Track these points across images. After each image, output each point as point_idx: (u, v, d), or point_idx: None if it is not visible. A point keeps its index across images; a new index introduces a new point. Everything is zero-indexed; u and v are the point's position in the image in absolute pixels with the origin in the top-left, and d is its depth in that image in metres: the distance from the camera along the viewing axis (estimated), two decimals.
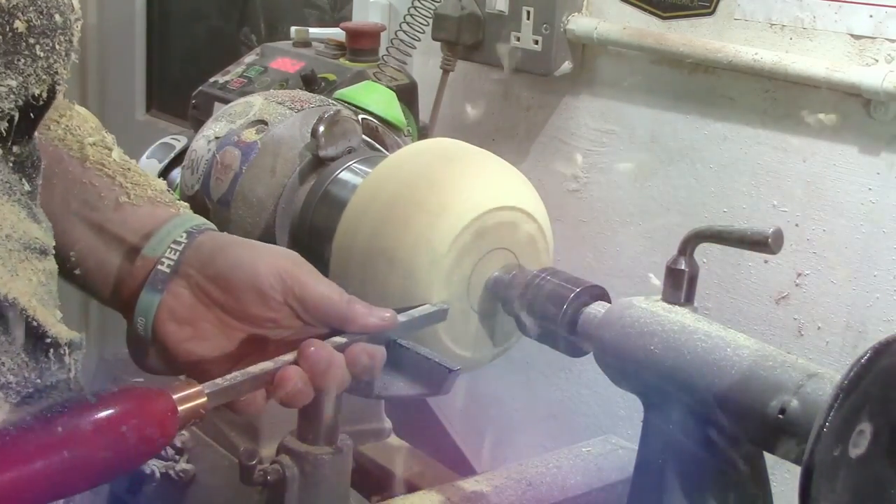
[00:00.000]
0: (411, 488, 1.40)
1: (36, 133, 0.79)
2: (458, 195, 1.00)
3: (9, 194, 0.77)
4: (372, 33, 1.68)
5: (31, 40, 0.72)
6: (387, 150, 1.21)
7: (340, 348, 0.86)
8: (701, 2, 1.45)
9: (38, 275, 0.78)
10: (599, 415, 1.69)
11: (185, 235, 0.90)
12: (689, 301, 0.94)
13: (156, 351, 0.90)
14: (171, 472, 1.49)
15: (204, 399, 0.78)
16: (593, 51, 1.60)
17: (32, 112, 0.76)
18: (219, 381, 0.80)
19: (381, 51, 1.67)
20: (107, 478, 0.73)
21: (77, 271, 0.91)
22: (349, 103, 1.32)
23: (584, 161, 1.65)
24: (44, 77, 0.74)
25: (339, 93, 1.38)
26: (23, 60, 0.72)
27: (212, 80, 1.68)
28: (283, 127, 1.16)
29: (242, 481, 1.14)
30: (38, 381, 0.77)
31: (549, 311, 0.98)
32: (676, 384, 0.87)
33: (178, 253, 0.88)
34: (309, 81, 1.57)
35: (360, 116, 1.23)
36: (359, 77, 1.57)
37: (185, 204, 0.96)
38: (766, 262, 1.43)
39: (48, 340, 0.77)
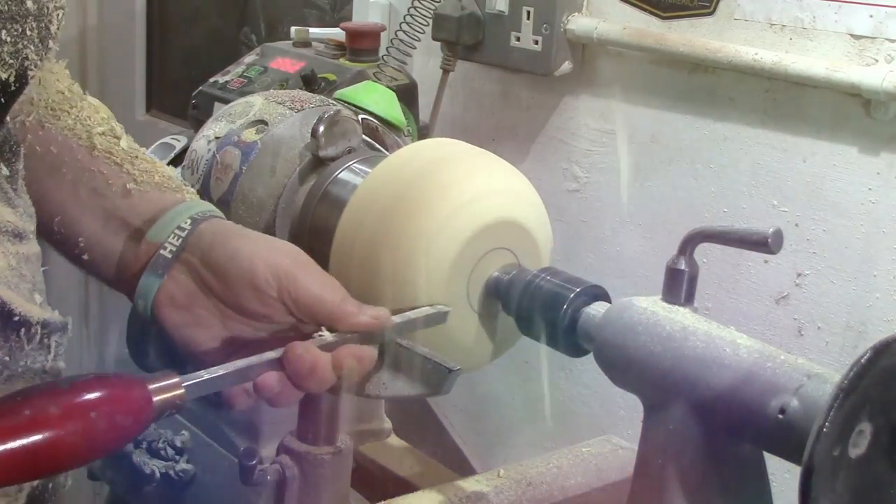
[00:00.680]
0: (411, 488, 1.40)
1: (7, 118, 0.79)
2: (457, 195, 1.00)
3: None
4: (372, 33, 1.68)
5: None
6: (387, 150, 1.21)
7: (330, 348, 0.85)
8: (701, 2, 1.45)
9: (8, 258, 0.78)
10: (599, 415, 1.69)
11: (189, 221, 0.90)
12: (689, 301, 0.93)
13: (155, 334, 0.90)
14: (171, 472, 1.49)
15: (181, 391, 0.78)
16: (593, 51, 1.60)
17: (3, 97, 0.76)
18: (198, 373, 0.81)
19: (381, 51, 1.67)
20: (76, 463, 0.73)
21: (85, 257, 0.92)
22: (349, 103, 1.32)
23: (584, 161, 1.65)
24: (10, 62, 0.74)
25: (339, 93, 1.38)
26: None
27: (212, 80, 1.68)
28: (283, 127, 1.16)
29: (242, 481, 1.14)
30: (8, 359, 0.77)
31: (549, 311, 0.98)
32: (676, 384, 0.87)
33: (180, 239, 0.89)
34: (309, 81, 1.57)
35: (360, 116, 1.23)
36: (359, 77, 1.57)
37: (193, 190, 0.97)
38: (766, 262, 1.43)
39: (16, 319, 0.77)
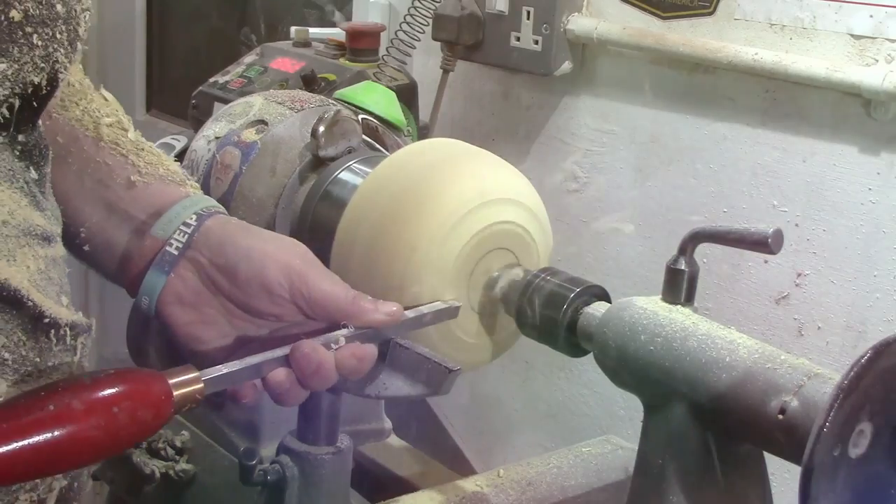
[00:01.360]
0: (411, 488, 1.40)
1: (40, 122, 0.80)
2: (458, 196, 1.00)
3: (11, 181, 0.77)
4: (372, 33, 1.68)
5: (29, 29, 0.72)
6: (387, 150, 1.21)
7: (333, 345, 0.86)
8: (701, 2, 1.45)
9: (37, 261, 0.79)
10: (599, 415, 1.69)
11: (194, 217, 0.90)
12: (689, 301, 0.94)
13: (156, 332, 0.91)
14: (171, 472, 1.49)
15: (200, 385, 0.78)
16: (593, 51, 1.60)
17: (35, 100, 0.76)
18: (217, 368, 0.81)
19: (381, 51, 1.67)
20: (98, 457, 0.73)
21: (86, 247, 0.92)
22: (349, 103, 1.32)
23: (584, 161, 1.65)
24: (41, 65, 0.74)
25: (339, 93, 1.38)
26: (17, 48, 0.72)
27: (212, 80, 1.68)
28: (283, 127, 1.16)
29: (242, 481, 1.14)
30: (38, 359, 0.78)
31: (549, 311, 0.98)
32: (676, 384, 0.87)
33: (186, 235, 0.89)
34: (309, 81, 1.57)
35: (360, 116, 1.23)
36: (359, 77, 1.57)
37: (196, 185, 0.96)
38: (766, 262, 1.43)
39: (46, 321, 0.78)
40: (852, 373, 0.71)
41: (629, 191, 1.60)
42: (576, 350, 0.99)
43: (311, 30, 1.77)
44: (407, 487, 1.46)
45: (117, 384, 0.74)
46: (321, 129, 1.12)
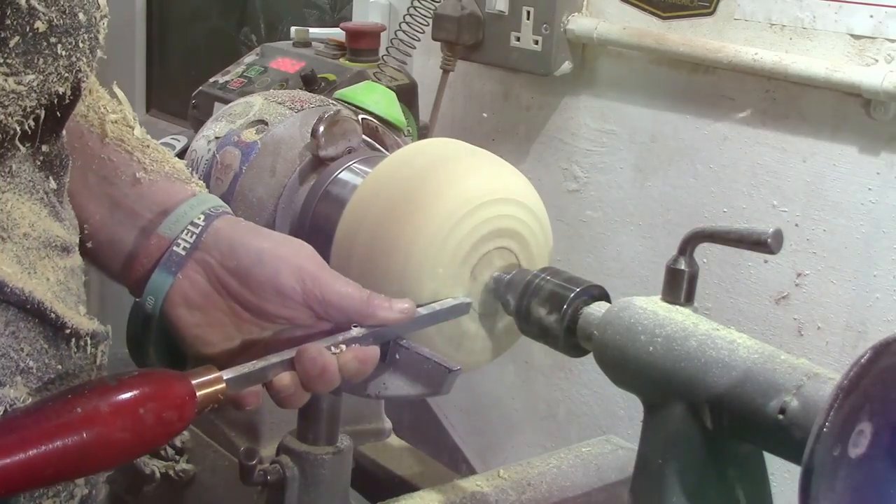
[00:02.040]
0: (411, 488, 1.40)
1: (63, 132, 0.80)
2: (457, 195, 1.00)
3: (31, 193, 0.77)
4: (372, 33, 1.68)
5: (53, 39, 0.72)
6: (387, 150, 1.21)
7: (334, 348, 0.86)
8: (701, 2, 1.45)
9: (57, 272, 0.79)
10: (599, 415, 1.69)
11: (202, 217, 0.89)
12: (689, 301, 0.94)
13: (157, 333, 0.90)
14: (171, 472, 1.49)
15: (222, 385, 0.79)
16: (593, 51, 1.60)
17: (59, 110, 0.76)
18: (238, 368, 0.81)
19: (381, 51, 1.67)
20: (124, 459, 0.74)
21: (89, 244, 0.91)
22: (349, 103, 1.32)
23: (584, 161, 1.65)
24: (66, 75, 0.74)
25: (339, 93, 1.38)
26: (42, 59, 0.72)
27: (212, 80, 1.68)
28: (283, 127, 1.16)
29: (242, 481, 1.14)
30: (60, 367, 0.78)
31: (549, 311, 0.98)
32: (676, 384, 0.87)
33: (195, 236, 0.88)
34: (309, 81, 1.57)
35: (360, 116, 1.23)
36: (359, 77, 1.57)
37: (202, 183, 0.96)
38: (766, 262, 1.43)
39: (68, 331, 0.78)
40: (852, 373, 0.71)
41: (629, 191, 1.60)
42: (576, 350, 0.99)
43: (311, 30, 1.77)
44: (407, 487, 1.46)
45: (142, 386, 0.74)
46: (321, 129, 1.12)
